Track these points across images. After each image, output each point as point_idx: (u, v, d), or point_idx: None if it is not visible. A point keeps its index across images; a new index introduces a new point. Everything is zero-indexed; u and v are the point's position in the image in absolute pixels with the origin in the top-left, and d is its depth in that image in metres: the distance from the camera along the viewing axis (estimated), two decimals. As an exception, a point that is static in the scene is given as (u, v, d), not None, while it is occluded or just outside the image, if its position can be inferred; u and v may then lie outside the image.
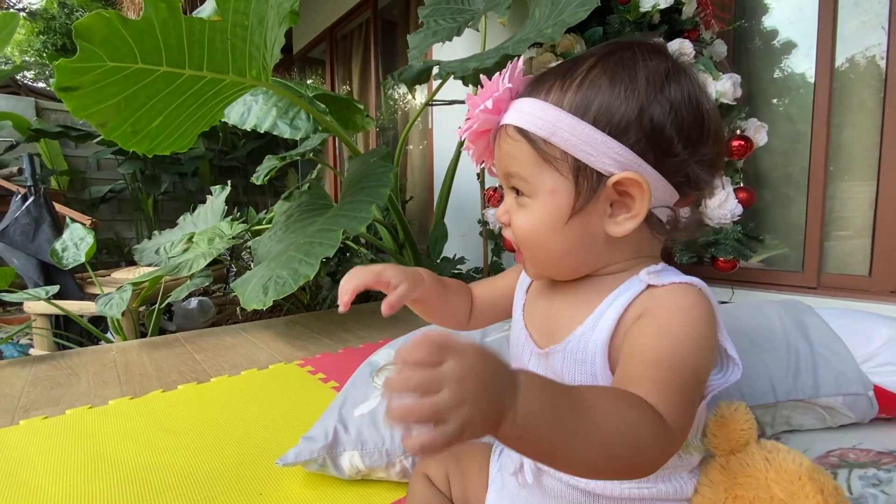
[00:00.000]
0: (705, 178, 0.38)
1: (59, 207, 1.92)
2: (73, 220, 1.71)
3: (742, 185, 1.37)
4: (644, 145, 0.36)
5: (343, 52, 4.19)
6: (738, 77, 1.31)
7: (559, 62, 0.43)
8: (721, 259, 1.34)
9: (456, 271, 2.26)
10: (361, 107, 2.59)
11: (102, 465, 0.70)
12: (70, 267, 1.54)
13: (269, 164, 2.64)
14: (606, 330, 0.36)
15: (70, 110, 1.17)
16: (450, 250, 2.33)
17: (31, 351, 1.60)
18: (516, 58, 0.44)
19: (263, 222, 2.42)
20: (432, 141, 3.07)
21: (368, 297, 2.08)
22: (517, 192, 0.41)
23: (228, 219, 2.27)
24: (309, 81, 5.35)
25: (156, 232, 2.61)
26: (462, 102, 2.30)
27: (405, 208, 2.93)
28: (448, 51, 2.14)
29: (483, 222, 1.79)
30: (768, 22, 1.79)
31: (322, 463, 0.62)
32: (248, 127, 2.26)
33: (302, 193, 1.96)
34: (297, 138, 2.22)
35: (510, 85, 0.41)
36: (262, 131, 2.24)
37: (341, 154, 4.16)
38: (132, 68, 1.20)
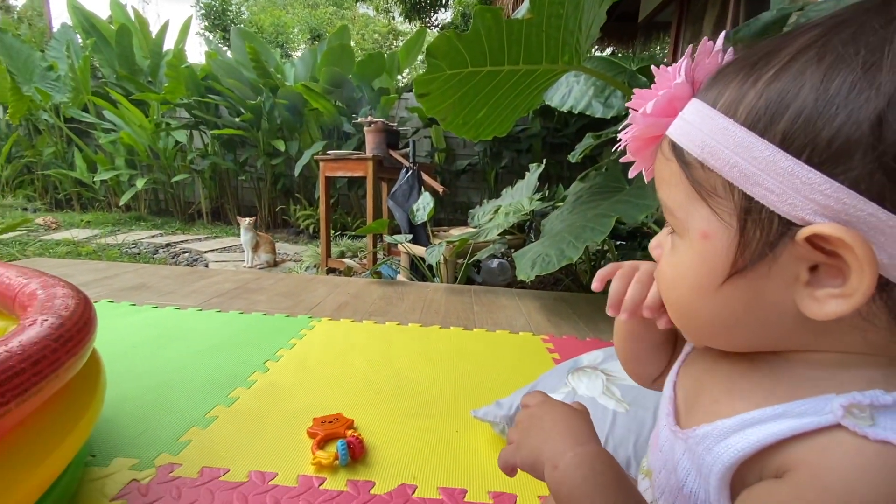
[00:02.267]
0: None
1: (425, 178, 2.64)
2: (428, 189, 2.33)
3: None
4: (882, 181, 0.21)
5: (695, 11, 3.68)
6: None
7: (764, 42, 0.24)
8: None
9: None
10: (694, 76, 2.28)
11: (389, 365, 1.02)
12: (417, 223, 2.14)
13: (586, 142, 2.72)
14: (734, 455, 0.25)
15: (424, 110, 1.60)
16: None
17: (398, 276, 2.34)
18: (704, 39, 0.30)
19: (561, 199, 2.55)
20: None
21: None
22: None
23: (533, 195, 2.52)
24: (657, 48, 5.01)
25: (485, 200, 3.19)
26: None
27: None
28: None
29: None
30: None
31: (502, 429, 0.70)
32: (566, 109, 2.39)
33: (598, 174, 1.96)
34: (609, 117, 2.20)
35: (681, 80, 0.28)
36: (577, 112, 2.33)
37: (670, 129, 3.78)
38: (464, 73, 1.51)
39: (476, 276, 2.35)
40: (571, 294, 1.81)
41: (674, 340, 0.39)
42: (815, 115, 0.22)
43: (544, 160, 2.84)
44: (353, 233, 3.91)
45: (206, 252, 3.27)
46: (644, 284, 0.34)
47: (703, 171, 0.26)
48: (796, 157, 0.22)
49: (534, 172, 2.77)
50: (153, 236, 3.72)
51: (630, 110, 0.34)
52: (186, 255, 3.19)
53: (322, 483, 0.62)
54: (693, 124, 0.26)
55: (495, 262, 2.29)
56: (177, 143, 4.47)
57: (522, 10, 1.46)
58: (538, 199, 2.15)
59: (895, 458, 0.21)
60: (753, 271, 0.25)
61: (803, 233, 0.23)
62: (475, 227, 2.55)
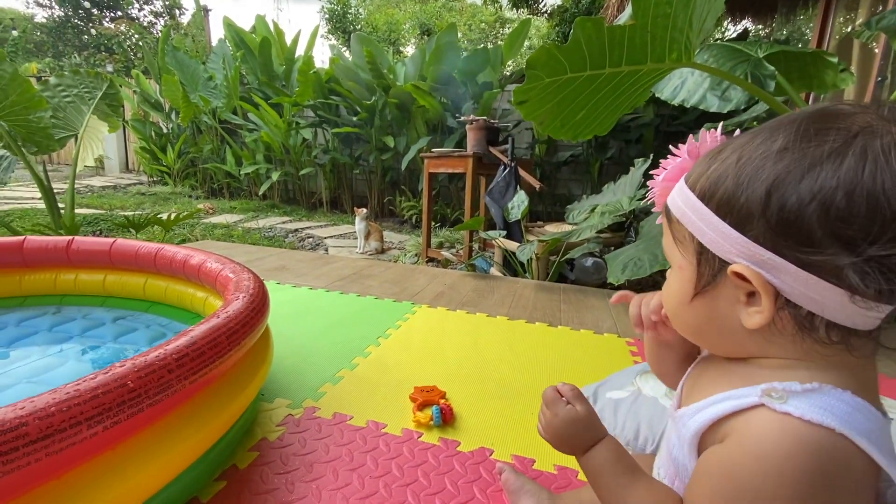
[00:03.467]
0: (882, 285, 0.29)
1: (522, 174, 2.72)
2: (521, 187, 2.42)
3: None
4: (773, 237, 0.32)
5: (847, -21, 3.16)
6: None
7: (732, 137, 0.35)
8: None
9: None
10: (835, 60, 2.05)
11: (476, 352, 1.16)
12: (511, 220, 2.24)
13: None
14: (697, 426, 0.36)
15: (522, 116, 1.69)
16: None
17: (492, 270, 2.47)
18: (703, 130, 0.40)
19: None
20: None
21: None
22: None
23: (633, 194, 2.46)
24: (802, 22, 4.42)
25: (586, 194, 3.15)
26: None
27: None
28: None
29: None
30: None
31: (571, 415, 0.80)
32: (676, 102, 2.30)
33: (649, 201, 1.87)
34: (726, 110, 2.07)
35: (682, 159, 0.41)
36: (688, 105, 2.23)
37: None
38: (562, 79, 1.57)
39: (569, 274, 2.38)
40: (666, 298, 1.79)
41: (692, 358, 0.49)
42: (733, 193, 0.34)
43: (652, 154, 2.73)
44: (452, 228, 4.13)
45: (325, 238, 3.73)
46: (647, 305, 0.48)
47: (678, 225, 0.38)
48: (723, 220, 0.34)
49: (639, 168, 2.69)
50: (284, 222, 4.33)
51: (655, 175, 0.47)
52: (310, 239, 3.67)
53: (420, 437, 0.79)
54: (675, 193, 0.39)
55: (590, 261, 2.31)
56: (304, 140, 5.08)
57: (625, 17, 1.47)
58: (638, 199, 2.11)
59: (793, 425, 0.31)
60: (708, 293, 0.37)
61: (730, 269, 0.35)
62: (571, 224, 2.58)
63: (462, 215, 4.39)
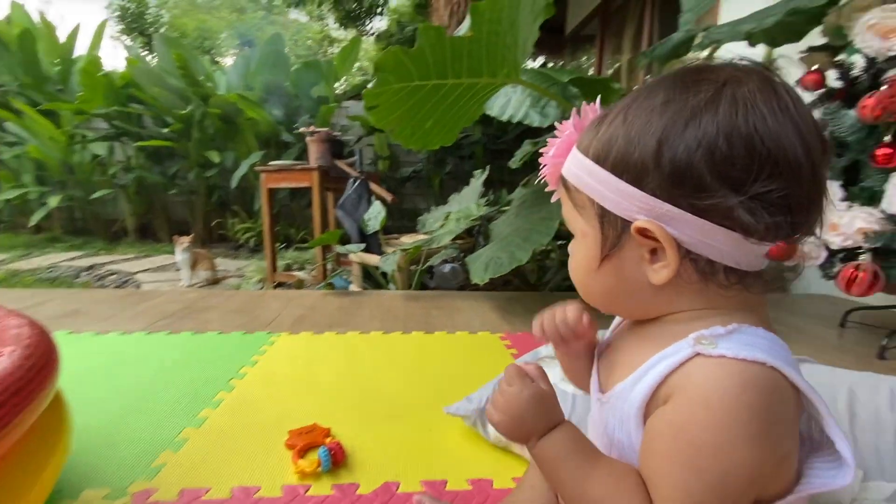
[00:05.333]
0: (767, 219, 0.31)
1: (373, 187, 2.65)
2: (378, 198, 2.36)
3: None
4: (668, 187, 0.32)
5: (615, 26, 4.00)
6: None
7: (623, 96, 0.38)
8: None
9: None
10: (618, 86, 2.49)
11: (354, 375, 1.04)
12: (370, 232, 2.16)
13: (525, 149, 2.86)
14: (641, 397, 0.34)
15: (374, 122, 1.63)
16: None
17: (351, 286, 2.33)
18: (584, 103, 0.41)
19: (504, 204, 2.67)
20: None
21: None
22: None
23: (480, 200, 2.62)
24: (584, 59, 5.33)
25: (432, 207, 3.25)
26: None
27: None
28: (738, 7, 1.80)
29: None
30: None
31: (473, 422, 0.75)
32: (505, 118, 2.51)
33: (540, 180, 2.09)
34: (545, 125, 2.34)
35: (569, 133, 0.40)
36: (515, 121, 2.46)
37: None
38: (410, 86, 1.56)
39: (429, 282, 2.39)
40: (521, 293, 1.92)
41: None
42: (626, 151, 0.34)
43: (488, 166, 2.95)
44: (304, 245, 3.82)
45: (136, 273, 3.06)
46: (563, 322, 0.45)
47: (575, 192, 0.38)
48: (620, 178, 0.34)
49: (478, 178, 2.87)
50: (72, 258, 3.42)
51: (543, 153, 0.45)
52: (114, 276, 2.97)
53: (307, 490, 0.64)
54: (570, 162, 0.39)
55: (448, 267, 2.35)
56: (95, 156, 4.13)
57: (464, 28, 1.54)
58: (486, 205, 2.24)
59: (730, 365, 0.31)
60: (615, 255, 0.37)
61: (633, 226, 0.34)
62: (426, 234, 2.60)
63: (309, 234, 4.09)
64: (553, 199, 0.49)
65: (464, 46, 1.53)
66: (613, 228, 0.36)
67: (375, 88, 1.48)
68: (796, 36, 1.56)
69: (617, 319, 0.50)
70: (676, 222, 0.33)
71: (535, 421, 0.37)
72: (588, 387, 0.50)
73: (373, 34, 8.05)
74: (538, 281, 2.13)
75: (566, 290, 2.00)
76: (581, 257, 0.40)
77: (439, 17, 5.06)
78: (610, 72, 4.11)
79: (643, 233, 0.34)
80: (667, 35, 3.55)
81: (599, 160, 0.36)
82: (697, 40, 1.54)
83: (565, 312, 0.45)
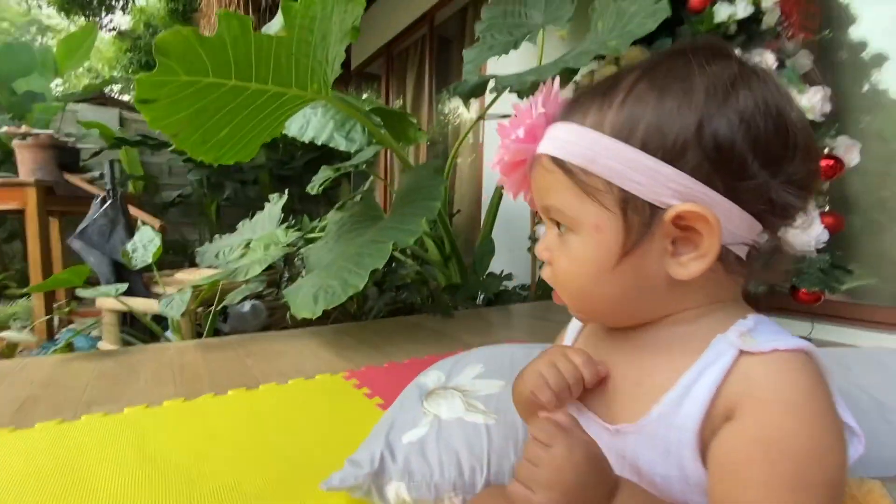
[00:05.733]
0: (794, 202, 0.31)
1: (133, 210, 2.05)
2: (144, 223, 1.83)
3: (828, 209, 1.25)
4: (708, 169, 0.30)
5: (398, 67, 4.29)
6: (828, 90, 1.19)
7: (599, 80, 0.36)
8: (804, 290, 1.21)
9: (502, 288, 2.21)
10: (414, 120, 2.63)
11: (153, 468, 0.71)
12: (138, 267, 1.64)
13: (324, 174, 2.72)
14: (695, 417, 0.29)
15: (147, 121, 1.25)
16: (496, 266, 2.28)
17: (100, 344, 1.70)
18: (550, 79, 0.39)
19: (316, 230, 2.48)
20: (482, 155, 3.06)
21: (412, 310, 2.06)
22: (558, 226, 0.36)
23: (284, 226, 2.35)
24: (364, 96, 5.51)
25: (217, 236, 2.74)
26: (516, 116, 2.28)
27: (452, 221, 2.92)
28: (502, 64, 2.12)
29: (533, 238, 1.74)
30: (856, 33, 1.64)
31: (367, 490, 0.59)
32: (306, 139, 2.34)
33: (354, 204, 1.99)
34: (352, 150, 2.27)
35: (544, 110, 0.36)
36: (319, 143, 2.32)
37: (392, 166, 4.24)
38: (204, 82, 1.26)
39: (222, 326, 1.97)
40: (347, 325, 1.75)
41: None
42: (661, 125, 0.30)
43: (287, 190, 2.69)
44: (19, 292, 2.64)
45: None
46: (557, 366, 0.37)
47: (584, 175, 0.32)
48: (653, 156, 0.30)
49: (276, 203, 2.59)
50: None
51: (499, 142, 0.40)
52: None
53: None
54: (569, 140, 0.33)
55: (247, 306, 1.99)
56: None
57: (275, 26, 1.35)
58: (295, 230, 2.00)
59: (788, 359, 0.28)
60: (638, 250, 0.31)
61: (670, 213, 0.30)
62: (215, 268, 2.16)
63: (19, 277, 2.87)
64: (514, 196, 0.43)
65: (272, 47, 1.34)
66: (640, 216, 0.31)
67: (156, 76, 1.14)
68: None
69: (574, 330, 0.45)
70: (715, 208, 0.29)
71: (596, 488, 0.28)
72: None
73: (112, 30, 6.53)
74: (358, 310, 2.00)
75: (389, 315, 1.94)
76: (589, 256, 0.33)
77: (209, 27, 4.48)
78: (397, 105, 4.37)
79: (677, 219, 0.30)
80: (444, 80, 4.01)
81: (622, 136, 0.31)
82: (491, 85, 1.74)
83: (579, 367, 0.35)
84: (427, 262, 2.39)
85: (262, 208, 2.61)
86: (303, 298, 1.34)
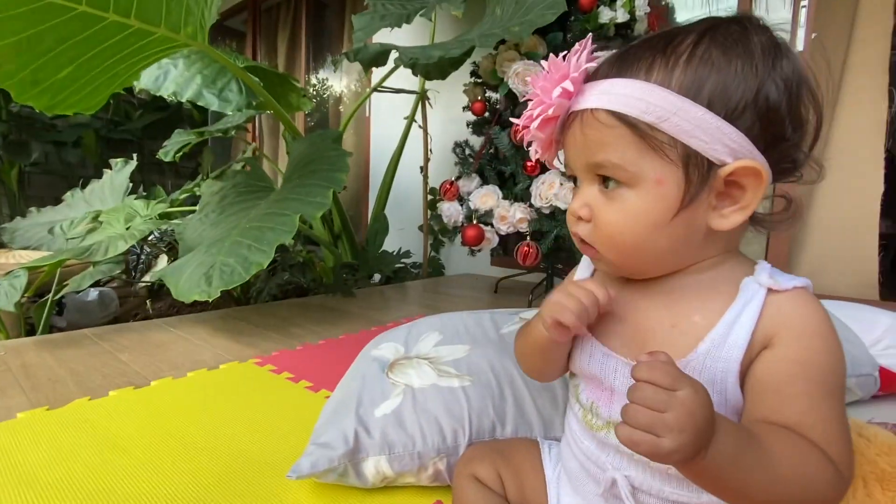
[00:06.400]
0: (803, 161, 0.36)
1: None
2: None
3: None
4: (758, 130, 0.33)
5: (268, 25, 3.85)
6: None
7: (646, 38, 0.36)
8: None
9: (400, 265, 2.20)
10: (299, 84, 2.41)
11: (35, 494, 0.55)
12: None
13: (181, 138, 2.33)
14: (739, 348, 0.33)
15: (-52, 42, 0.91)
16: (387, 244, 2.26)
17: None
18: (589, 35, 0.39)
19: (177, 203, 2.13)
20: (369, 129, 2.96)
21: (307, 292, 1.93)
22: (604, 182, 0.36)
23: (134, 197, 1.97)
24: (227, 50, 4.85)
25: (32, 209, 2.16)
26: (410, 92, 2.25)
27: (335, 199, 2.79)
28: (389, 37, 2.07)
29: (436, 216, 1.76)
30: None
31: (342, 471, 0.55)
32: (164, 94, 1.97)
33: (236, 173, 1.76)
34: (229, 111, 1.99)
35: (588, 65, 0.36)
36: (183, 100, 1.97)
37: (262, 134, 3.83)
38: (42, 1, 0.97)
39: (58, 321, 1.59)
40: (235, 309, 1.56)
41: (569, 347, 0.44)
42: (727, 87, 0.32)
43: (135, 155, 2.24)
44: None
45: None
46: (579, 295, 0.38)
47: (650, 130, 0.33)
48: (718, 116, 0.32)
49: (120, 170, 2.17)
50: None
51: (533, 98, 0.39)
52: None
53: None
54: (634, 96, 0.33)
55: (94, 294, 1.63)
56: None
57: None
58: (158, 202, 1.69)
59: (807, 294, 0.34)
60: (694, 203, 0.34)
61: (726, 170, 0.33)
62: (41, 251, 1.71)
63: None
64: (543, 155, 0.41)
65: (141, -28, 1.10)
66: (699, 172, 0.33)
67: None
68: (441, 74, 1.98)
69: (582, 274, 0.46)
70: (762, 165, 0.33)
71: (711, 425, 0.28)
72: (553, 374, 0.46)
73: None
74: (243, 294, 1.78)
75: (283, 298, 1.78)
76: (648, 210, 0.34)
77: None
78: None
79: (731, 175, 0.33)
80: (319, 46, 3.74)
81: (690, 94, 0.32)
82: (395, 55, 1.69)
83: (592, 291, 0.37)
84: (313, 241, 2.24)
85: (85, 177, 2.14)
86: (189, 280, 1.14)
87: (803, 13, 1.53)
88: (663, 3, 1.95)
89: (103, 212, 1.53)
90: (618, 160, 0.35)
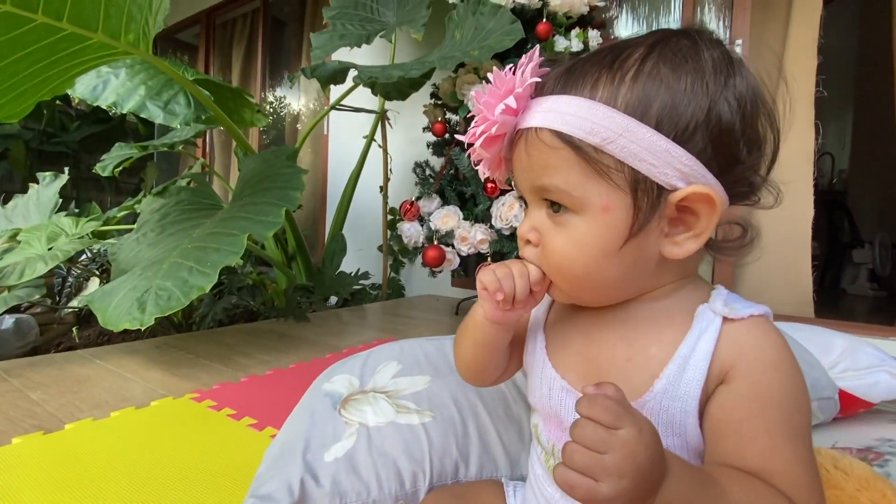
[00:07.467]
0: (759, 184, 0.33)
1: None
2: None
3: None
4: (711, 152, 0.30)
5: (222, 40, 3.74)
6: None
7: (593, 52, 0.34)
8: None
9: (358, 287, 2.13)
10: (253, 100, 2.33)
11: None
12: None
13: (121, 152, 2.19)
14: (696, 384, 0.30)
15: None
16: (345, 265, 2.18)
17: None
18: (536, 46, 0.37)
19: (112, 222, 1.97)
20: (327, 147, 2.89)
21: (256, 317, 1.82)
22: (551, 205, 0.34)
23: (64, 214, 1.81)
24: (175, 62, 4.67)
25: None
26: (370, 111, 2.22)
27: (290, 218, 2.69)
28: (349, 56, 2.05)
29: (396, 236, 1.72)
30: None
31: (291, 519, 0.48)
32: (102, 104, 1.84)
33: (180, 190, 1.65)
34: (175, 125, 1.88)
35: (534, 79, 0.33)
36: (124, 111, 1.85)
37: (212, 151, 3.67)
38: (-46, -4, 0.87)
39: (-39, 352, 1.40)
40: (173, 337, 1.43)
41: (513, 346, 0.43)
42: (676, 106, 0.30)
43: (67, 169, 2.07)
44: None
45: None
46: (511, 268, 0.36)
47: (596, 153, 0.30)
48: (667, 137, 0.30)
49: (48, 184, 2.00)
50: None
51: (477, 113, 0.36)
52: None
53: None
54: (578, 115, 0.31)
55: (9, 321, 1.45)
56: None
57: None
58: (89, 220, 1.54)
59: (764, 323, 0.31)
60: (644, 231, 0.31)
61: (677, 195, 0.30)
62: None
63: None
64: (493, 173, 0.38)
65: (75, -28, 1.02)
66: (648, 198, 0.30)
67: None
68: (401, 95, 1.98)
69: (543, 308, 0.43)
70: (715, 190, 0.30)
71: (659, 468, 0.25)
72: (486, 380, 0.44)
73: None
74: (184, 319, 1.65)
75: (229, 323, 1.66)
76: (595, 238, 0.32)
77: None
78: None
79: (682, 201, 0.30)
80: (278, 58, 3.68)
81: (636, 114, 0.30)
82: (353, 73, 1.66)
83: (525, 267, 0.35)
84: (265, 262, 2.13)
85: (10, 192, 1.96)
86: (120, 306, 1.03)
87: (738, 51, 1.66)
88: (612, 36, 2.04)
89: (23, 230, 1.38)
90: (562, 185, 0.32)
